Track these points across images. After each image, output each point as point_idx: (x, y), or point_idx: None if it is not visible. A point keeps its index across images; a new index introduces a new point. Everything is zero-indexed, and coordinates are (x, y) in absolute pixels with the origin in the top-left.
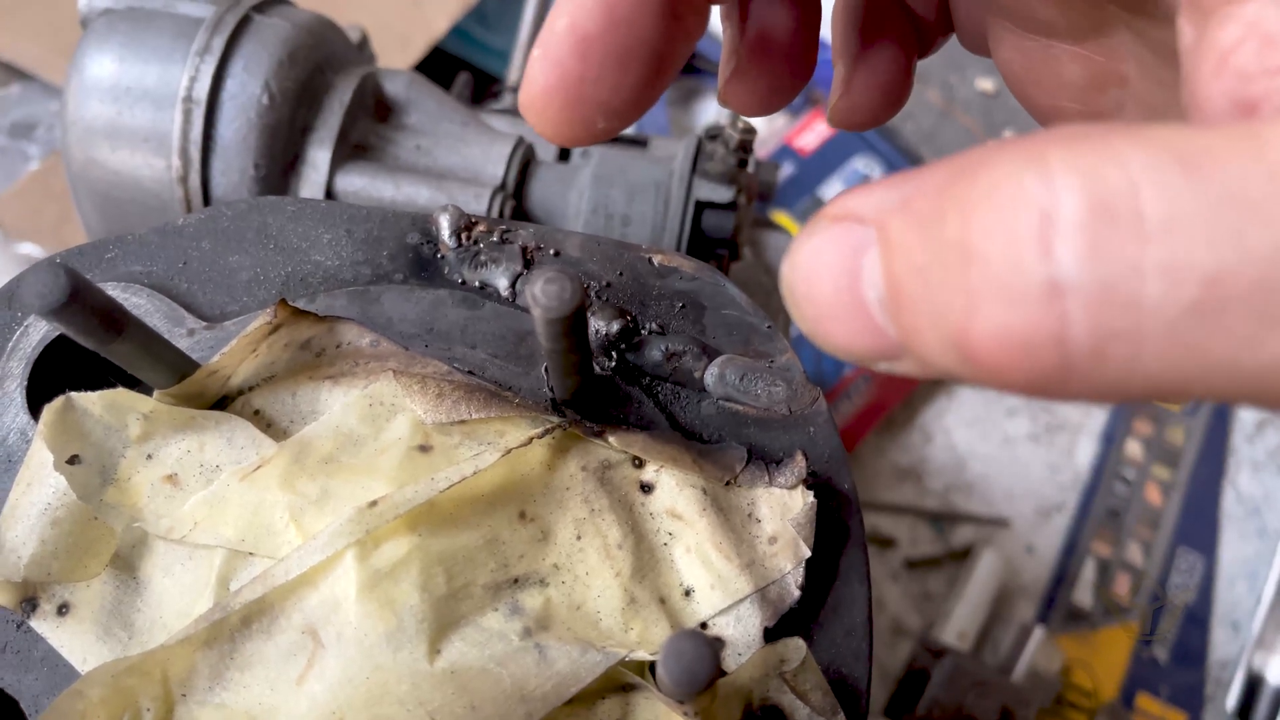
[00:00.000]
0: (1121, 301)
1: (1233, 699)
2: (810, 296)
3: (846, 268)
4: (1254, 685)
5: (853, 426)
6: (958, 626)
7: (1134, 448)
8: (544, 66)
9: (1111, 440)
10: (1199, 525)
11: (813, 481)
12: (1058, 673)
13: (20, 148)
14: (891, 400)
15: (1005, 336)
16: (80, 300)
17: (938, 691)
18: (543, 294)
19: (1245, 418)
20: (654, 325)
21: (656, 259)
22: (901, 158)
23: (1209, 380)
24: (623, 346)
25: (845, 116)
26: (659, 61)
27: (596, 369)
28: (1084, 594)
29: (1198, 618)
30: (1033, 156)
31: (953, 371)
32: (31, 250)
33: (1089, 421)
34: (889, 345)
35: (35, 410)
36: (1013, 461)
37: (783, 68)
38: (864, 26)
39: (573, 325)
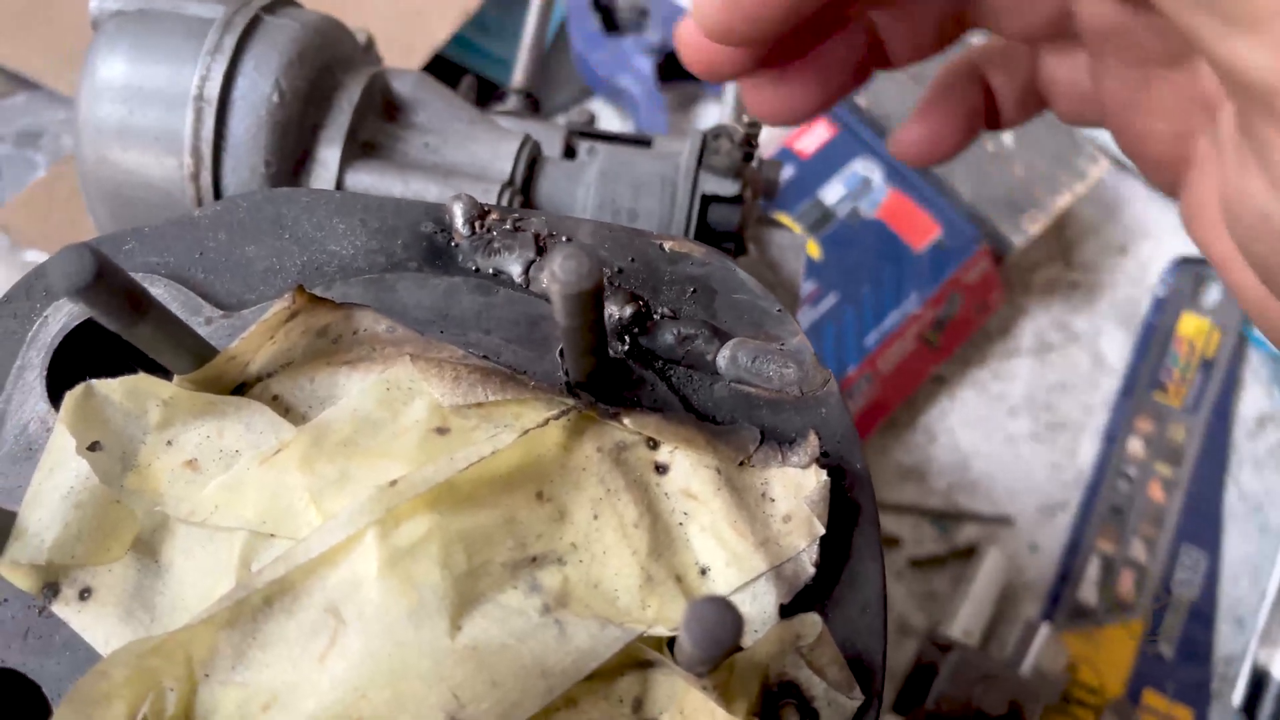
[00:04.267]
0: None
1: (1239, 694)
2: None
3: None
4: (1260, 680)
5: (856, 426)
6: (963, 625)
7: (1136, 445)
8: None
9: (1113, 438)
10: (1202, 522)
11: (825, 461)
12: (1063, 670)
13: (26, 156)
14: (894, 400)
15: None
16: (106, 281)
17: (945, 685)
18: (561, 270)
19: (1246, 415)
20: (666, 310)
21: (667, 245)
22: (900, 161)
23: None
24: (635, 331)
25: (898, 149)
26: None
27: (610, 352)
28: (1088, 591)
29: (1202, 614)
30: None
31: None
32: (38, 257)
33: (1091, 420)
34: None
35: (55, 399)
36: (1015, 460)
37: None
38: (945, 92)
39: (591, 301)
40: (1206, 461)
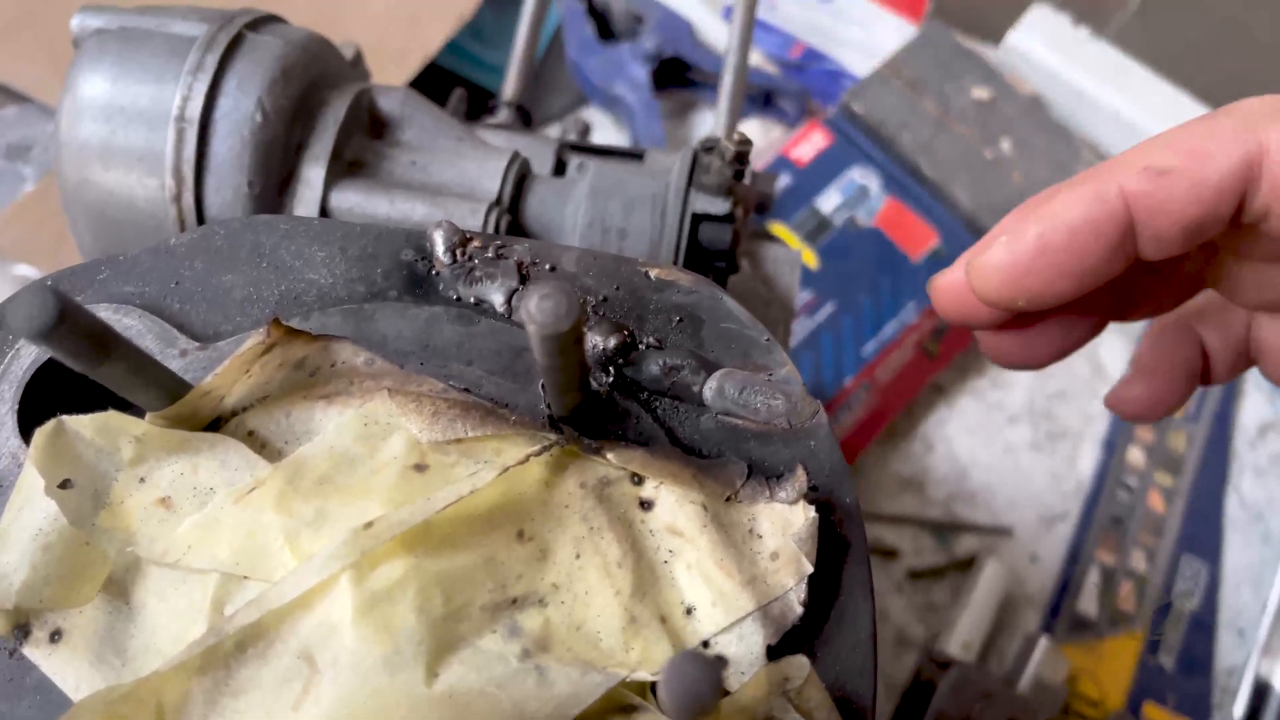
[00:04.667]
0: None
1: (1240, 707)
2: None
3: None
4: (1261, 692)
5: (854, 436)
6: (962, 637)
7: (1136, 455)
8: (1005, 252)
9: (1113, 447)
10: (1203, 532)
11: (814, 496)
12: (1064, 682)
13: (16, 169)
14: (892, 410)
15: None
16: (68, 323)
17: (943, 703)
18: (538, 310)
19: (1247, 423)
20: (652, 339)
21: (653, 273)
22: (898, 168)
23: None
24: (620, 361)
25: (1121, 407)
26: (1085, 284)
27: (594, 385)
28: (1089, 602)
29: (1203, 625)
30: None
31: None
32: (28, 272)
33: (1090, 429)
34: None
35: (26, 434)
36: (1015, 470)
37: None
38: (1162, 350)
39: (570, 342)
40: (1207, 470)
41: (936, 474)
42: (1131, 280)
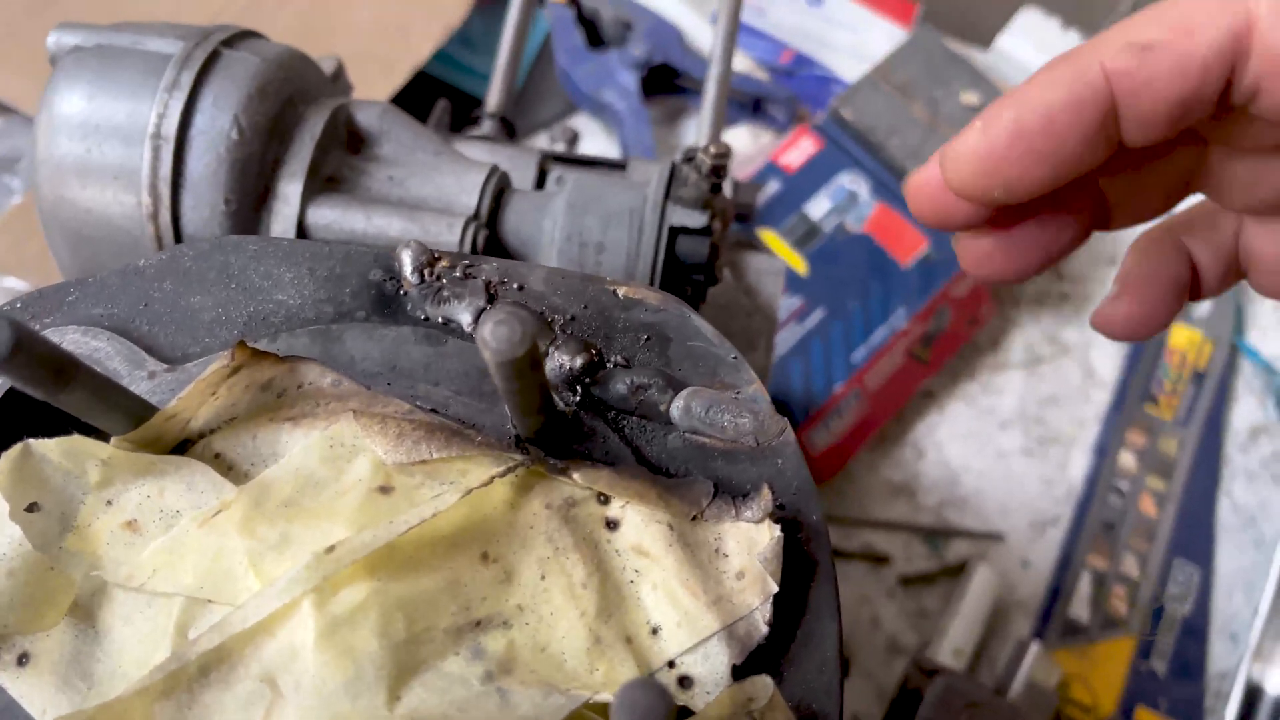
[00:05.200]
0: None
1: (1232, 711)
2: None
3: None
4: (1253, 696)
5: (844, 443)
6: (954, 643)
7: (1128, 459)
8: (979, 137)
9: (1104, 452)
10: (1195, 536)
11: (780, 515)
12: (1055, 687)
13: (4, 182)
14: (883, 416)
15: None
16: (25, 352)
17: (930, 712)
18: (492, 337)
19: (1239, 427)
20: (619, 358)
21: (621, 291)
22: (887, 174)
23: None
24: (587, 381)
25: (1105, 325)
26: (1063, 172)
27: (561, 404)
28: (1080, 607)
29: (1195, 629)
30: None
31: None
32: (15, 284)
33: (1082, 433)
34: None
35: None
36: (1006, 476)
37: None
38: (1147, 264)
39: (525, 367)
40: (1199, 474)
41: (928, 480)
42: (1115, 180)
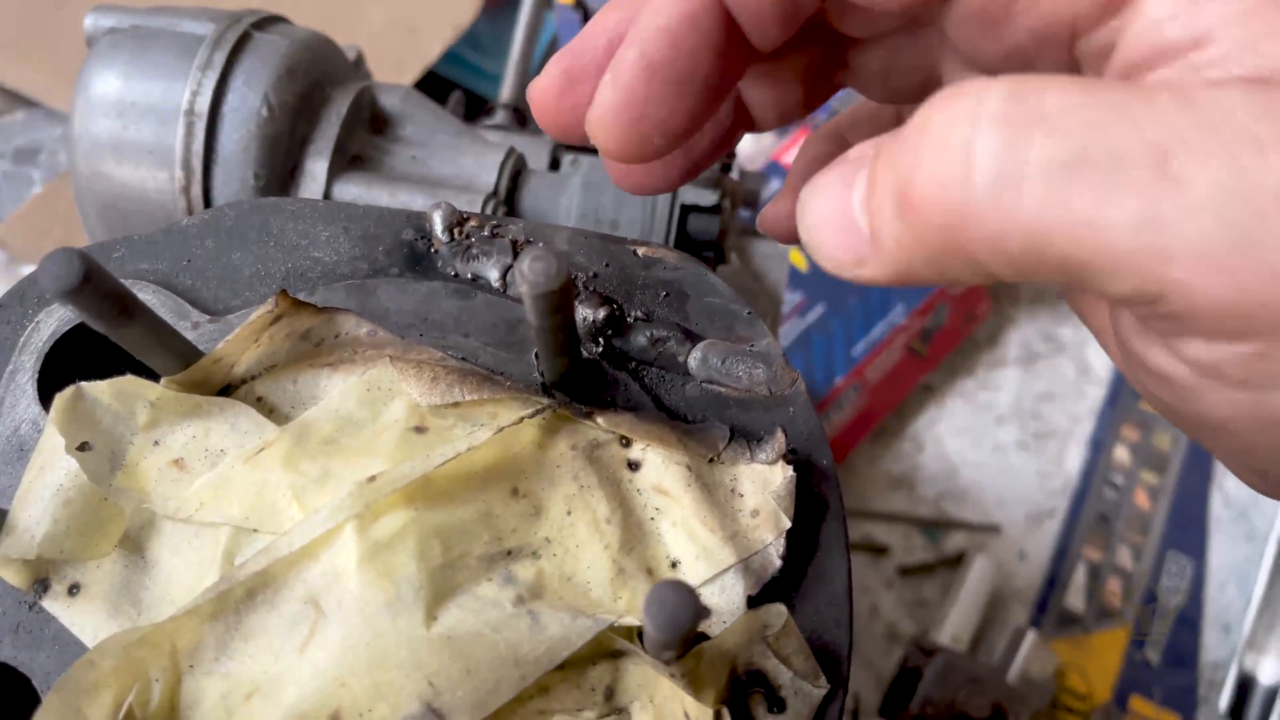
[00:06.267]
0: (1014, 159)
1: (1225, 700)
2: (812, 209)
3: (841, 188)
4: (1246, 686)
5: (844, 436)
6: (952, 632)
7: (1122, 453)
8: (613, 89)
9: (1100, 446)
10: (1188, 529)
11: (792, 458)
12: (1051, 676)
13: (25, 173)
14: (882, 409)
15: (931, 178)
16: (93, 284)
17: (930, 688)
18: (529, 271)
19: None
20: (639, 313)
21: (641, 251)
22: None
23: (1070, 234)
24: (609, 333)
25: (767, 226)
26: (711, 90)
27: (584, 354)
28: (1076, 598)
29: (1189, 620)
30: (987, 79)
31: (898, 239)
32: None
33: (1077, 428)
34: (860, 240)
35: (46, 403)
36: (1003, 469)
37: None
38: (811, 164)
39: (560, 301)
40: (1192, 468)
41: (926, 472)
42: (754, 83)
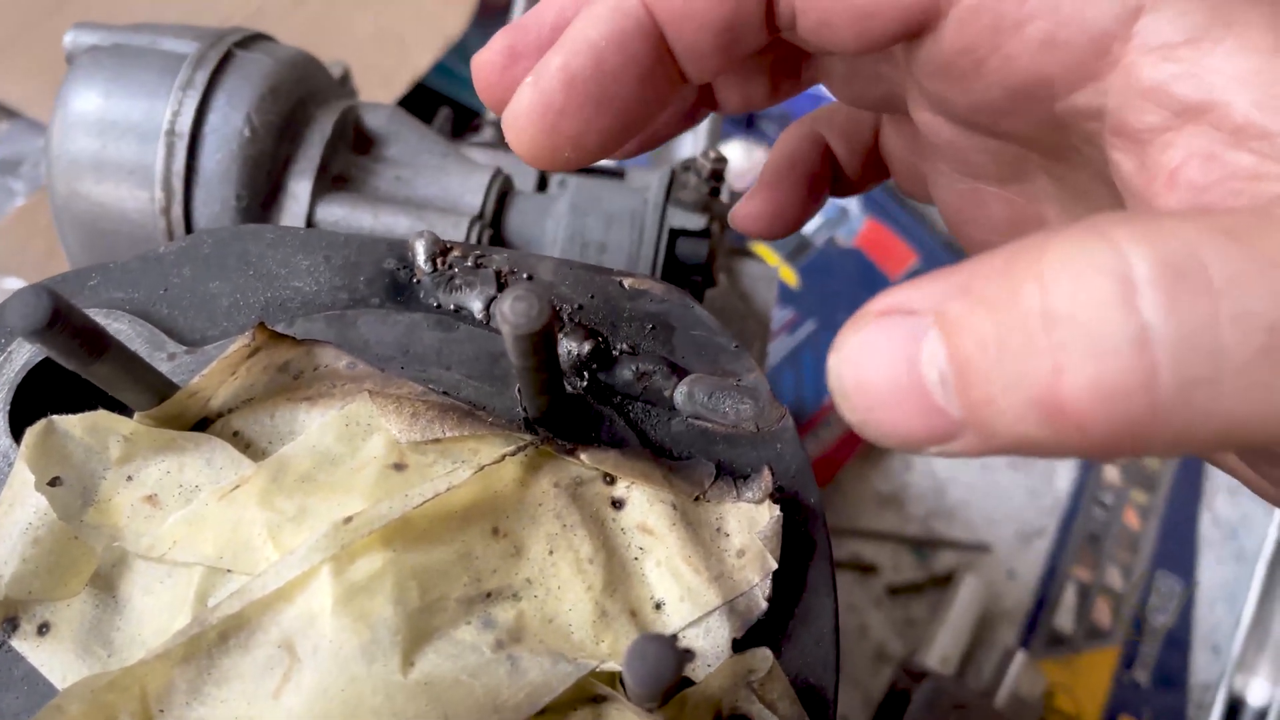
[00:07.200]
0: (1203, 349)
1: None
2: (862, 385)
3: (903, 355)
4: (1235, 707)
5: (833, 453)
6: (940, 652)
7: (1112, 473)
8: (531, 92)
9: (1089, 466)
10: (1178, 549)
11: (779, 496)
12: (1040, 697)
13: (6, 184)
14: None
15: (1097, 387)
16: (63, 322)
17: (918, 713)
18: (511, 311)
19: None
20: (625, 346)
21: (627, 282)
22: (878, 190)
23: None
24: (594, 366)
25: (740, 222)
26: (631, 117)
27: (568, 388)
28: (1065, 618)
29: (1178, 641)
30: (1095, 233)
31: (1027, 436)
32: (17, 284)
33: None
34: (949, 425)
35: (17, 435)
36: (993, 487)
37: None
38: (786, 160)
39: (541, 342)
40: (1181, 488)
41: (915, 491)
42: (716, 82)
